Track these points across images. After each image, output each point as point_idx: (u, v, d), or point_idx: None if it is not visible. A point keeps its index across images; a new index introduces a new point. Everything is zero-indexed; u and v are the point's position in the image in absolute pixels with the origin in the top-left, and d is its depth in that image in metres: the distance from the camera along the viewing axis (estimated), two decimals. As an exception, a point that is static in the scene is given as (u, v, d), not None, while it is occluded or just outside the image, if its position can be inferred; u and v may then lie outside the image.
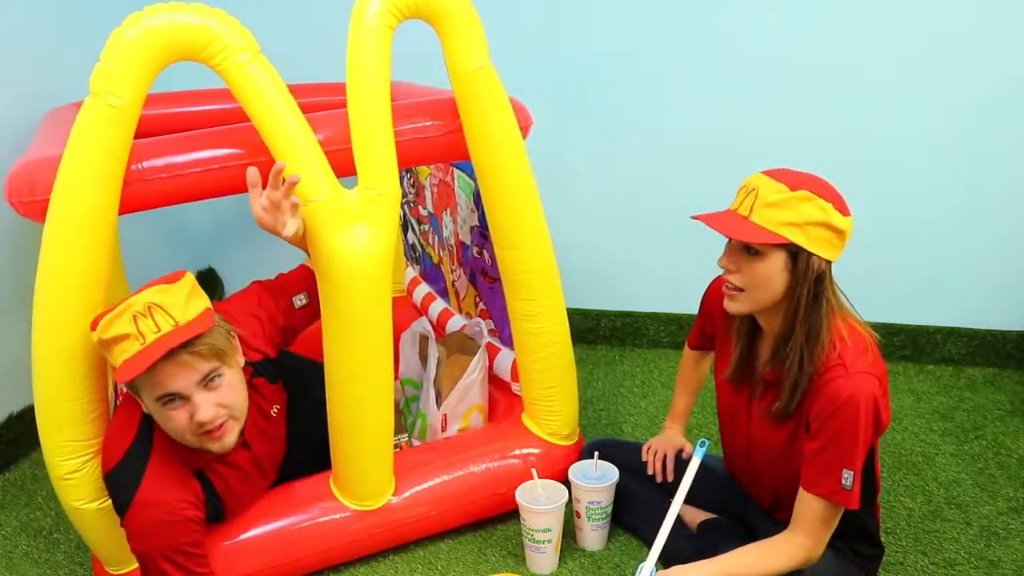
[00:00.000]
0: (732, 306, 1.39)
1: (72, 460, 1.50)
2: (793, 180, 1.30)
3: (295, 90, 1.53)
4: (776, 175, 1.32)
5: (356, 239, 1.52)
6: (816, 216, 1.28)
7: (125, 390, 1.53)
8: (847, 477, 1.32)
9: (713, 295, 1.59)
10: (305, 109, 1.53)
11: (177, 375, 1.38)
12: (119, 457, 1.46)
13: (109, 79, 1.37)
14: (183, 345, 1.36)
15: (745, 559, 1.41)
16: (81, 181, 1.39)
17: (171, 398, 1.40)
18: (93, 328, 1.39)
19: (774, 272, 1.32)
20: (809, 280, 1.31)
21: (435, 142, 1.68)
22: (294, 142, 1.48)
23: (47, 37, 2.18)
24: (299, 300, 1.68)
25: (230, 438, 1.48)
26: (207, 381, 1.42)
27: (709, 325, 1.64)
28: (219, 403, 1.44)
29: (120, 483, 1.46)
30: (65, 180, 1.39)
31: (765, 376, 1.44)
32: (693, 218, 1.38)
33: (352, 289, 1.54)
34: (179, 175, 1.49)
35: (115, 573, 1.65)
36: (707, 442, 1.49)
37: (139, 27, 1.37)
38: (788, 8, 2.25)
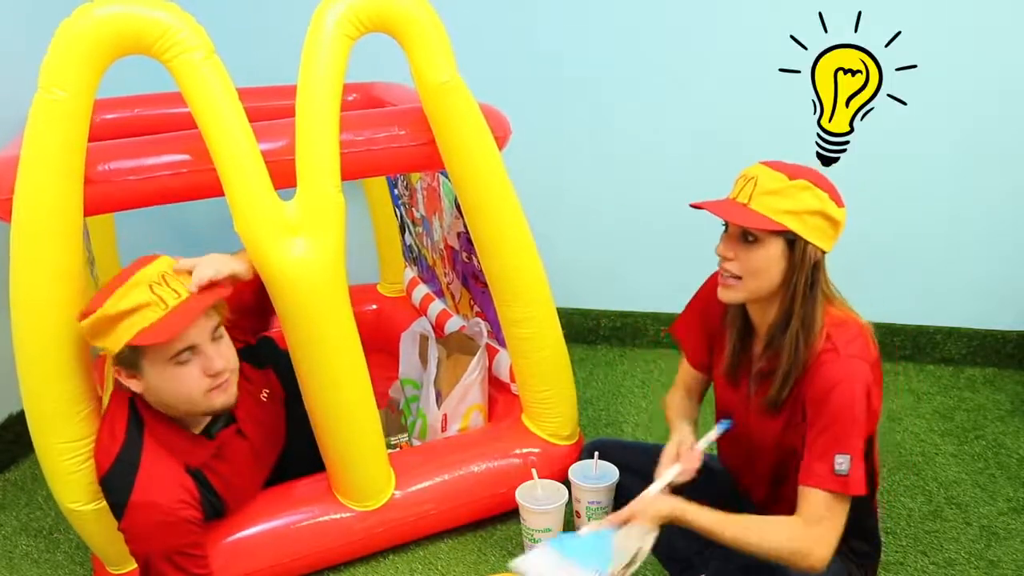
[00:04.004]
0: (727, 294, 1.39)
1: (67, 462, 1.49)
2: (791, 170, 1.33)
3: (253, 93, 1.50)
4: (774, 165, 1.34)
5: (296, 251, 1.49)
6: (813, 205, 1.31)
7: (114, 388, 1.53)
8: (841, 462, 1.31)
9: (712, 291, 1.54)
10: (260, 113, 1.51)
11: (198, 327, 1.43)
12: (111, 461, 1.46)
13: (55, 72, 1.32)
14: None
15: (746, 523, 1.36)
16: (38, 178, 1.36)
17: (186, 353, 1.43)
18: (88, 313, 1.38)
19: (772, 260, 1.33)
20: (806, 268, 1.33)
21: (411, 151, 1.66)
22: (235, 150, 1.44)
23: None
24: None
25: (233, 390, 1.51)
26: (214, 334, 1.47)
27: (706, 331, 1.60)
28: (224, 355, 1.48)
29: (114, 487, 1.46)
30: (24, 178, 1.36)
31: (761, 368, 1.44)
32: (692, 206, 1.38)
33: (300, 302, 1.52)
34: (148, 177, 1.48)
35: (116, 573, 1.65)
36: (730, 421, 1.48)
37: (87, 18, 1.33)
38: (784, 11, 2.25)
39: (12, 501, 2.02)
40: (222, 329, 1.49)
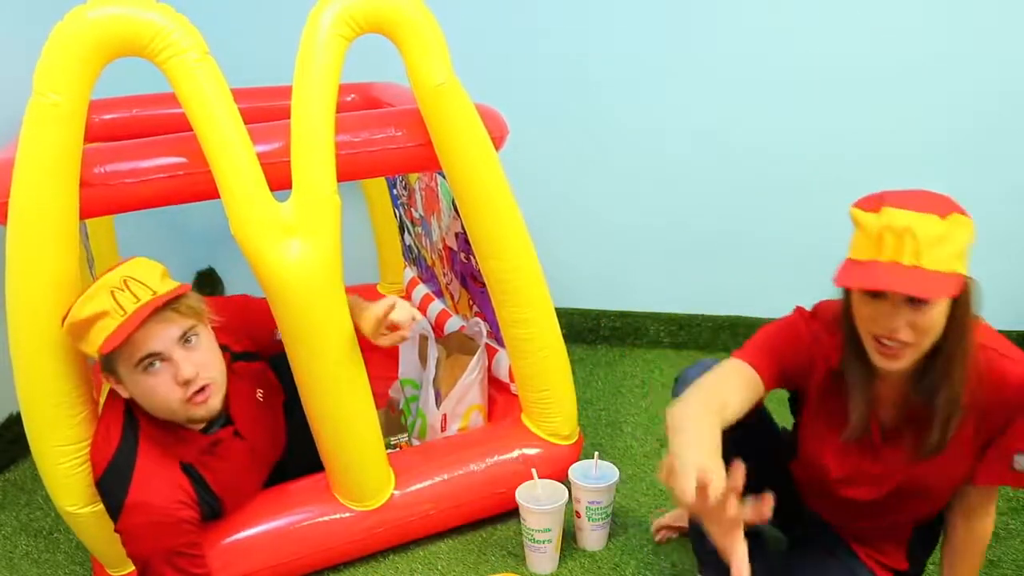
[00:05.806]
0: (897, 364, 1.20)
1: (63, 464, 1.49)
2: (933, 206, 1.15)
3: (248, 94, 1.49)
4: (912, 205, 1.15)
5: (292, 253, 1.48)
6: (968, 239, 1.16)
7: (110, 390, 1.53)
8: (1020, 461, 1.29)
9: (796, 338, 1.35)
10: (256, 114, 1.51)
11: (157, 333, 1.38)
12: (106, 463, 1.45)
13: (48, 76, 1.32)
14: (165, 304, 1.39)
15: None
16: (33, 181, 1.35)
17: (151, 361, 1.40)
18: (64, 322, 1.37)
19: (942, 312, 1.17)
20: (971, 303, 1.20)
21: (408, 152, 1.65)
22: (230, 152, 1.44)
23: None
24: (279, 334, 1.71)
25: (215, 400, 1.48)
26: (184, 340, 1.42)
27: (783, 367, 1.36)
28: (198, 362, 1.44)
29: (110, 488, 1.45)
30: (19, 181, 1.36)
31: (910, 415, 1.30)
32: (839, 285, 1.16)
33: (297, 303, 1.51)
34: (144, 180, 1.47)
35: (115, 575, 1.65)
36: None
37: (79, 21, 1.32)
38: (786, 12, 2.25)
39: (12, 501, 2.03)
40: (199, 335, 1.45)
